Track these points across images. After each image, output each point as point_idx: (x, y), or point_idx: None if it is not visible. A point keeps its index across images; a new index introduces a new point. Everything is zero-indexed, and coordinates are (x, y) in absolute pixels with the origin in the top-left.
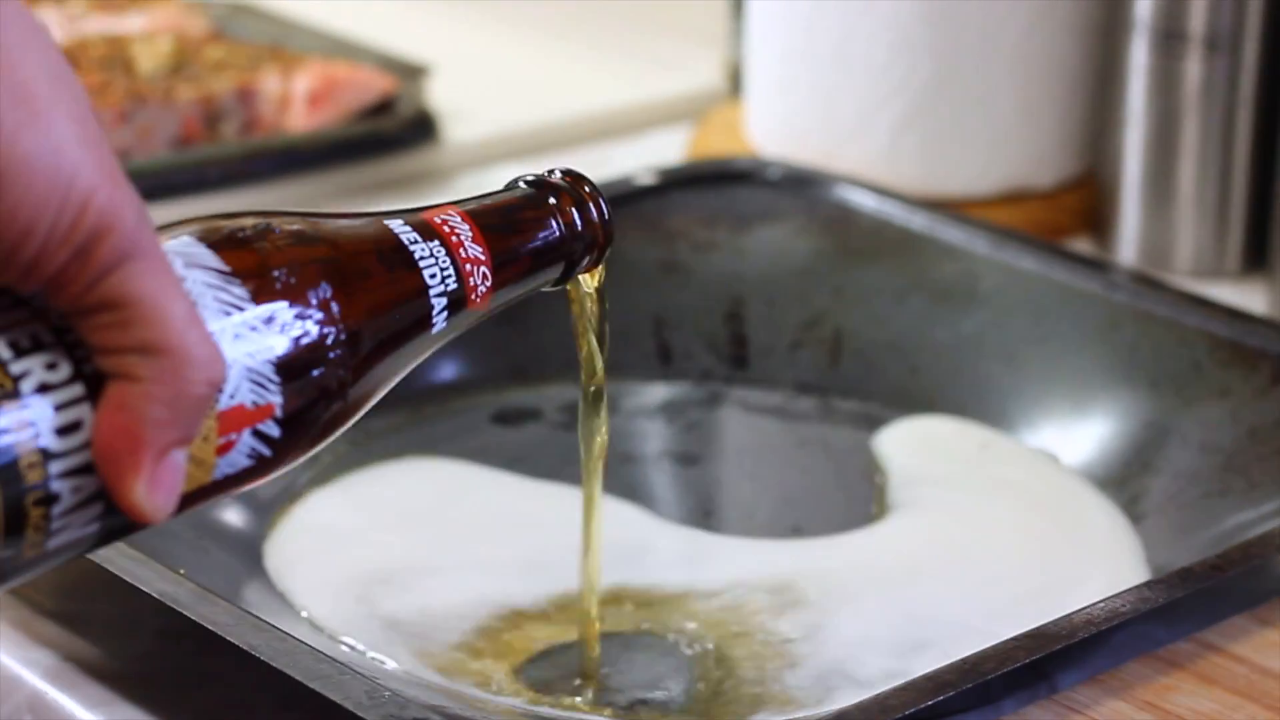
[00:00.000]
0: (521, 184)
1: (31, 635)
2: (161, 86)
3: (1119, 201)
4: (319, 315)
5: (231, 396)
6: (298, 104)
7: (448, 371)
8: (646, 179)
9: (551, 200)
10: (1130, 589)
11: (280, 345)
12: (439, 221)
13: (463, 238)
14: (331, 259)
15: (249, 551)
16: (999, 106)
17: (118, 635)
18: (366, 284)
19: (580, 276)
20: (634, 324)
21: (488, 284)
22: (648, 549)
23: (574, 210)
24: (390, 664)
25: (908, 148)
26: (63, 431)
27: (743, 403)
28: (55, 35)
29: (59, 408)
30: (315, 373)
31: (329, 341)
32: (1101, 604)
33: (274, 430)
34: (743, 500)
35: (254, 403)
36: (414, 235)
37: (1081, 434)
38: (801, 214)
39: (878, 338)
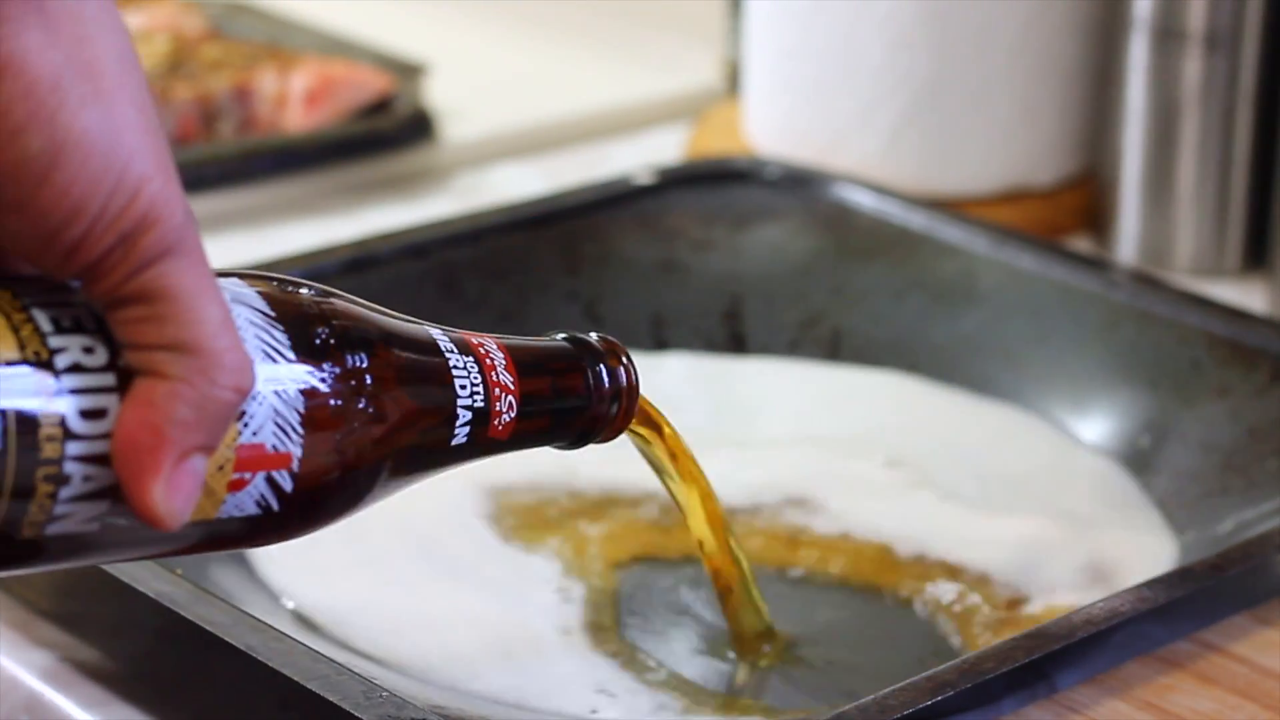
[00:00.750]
0: (558, 337)
1: (28, 636)
2: (158, 85)
3: (1118, 200)
4: (353, 383)
5: (255, 434)
6: (295, 103)
7: None
8: (645, 178)
9: (587, 358)
10: (1129, 589)
11: (311, 398)
12: (476, 342)
13: (495, 363)
14: (372, 336)
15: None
16: (998, 105)
17: (115, 636)
18: (401, 370)
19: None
20: (632, 323)
21: (512, 413)
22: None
23: (604, 369)
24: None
25: (906, 146)
26: (87, 415)
27: None
28: None
29: (88, 391)
30: (338, 436)
31: (357, 408)
32: (1101, 604)
33: (287, 484)
34: None
35: (274, 447)
36: (451, 345)
37: (1081, 433)
38: (800, 213)
39: (876, 337)
